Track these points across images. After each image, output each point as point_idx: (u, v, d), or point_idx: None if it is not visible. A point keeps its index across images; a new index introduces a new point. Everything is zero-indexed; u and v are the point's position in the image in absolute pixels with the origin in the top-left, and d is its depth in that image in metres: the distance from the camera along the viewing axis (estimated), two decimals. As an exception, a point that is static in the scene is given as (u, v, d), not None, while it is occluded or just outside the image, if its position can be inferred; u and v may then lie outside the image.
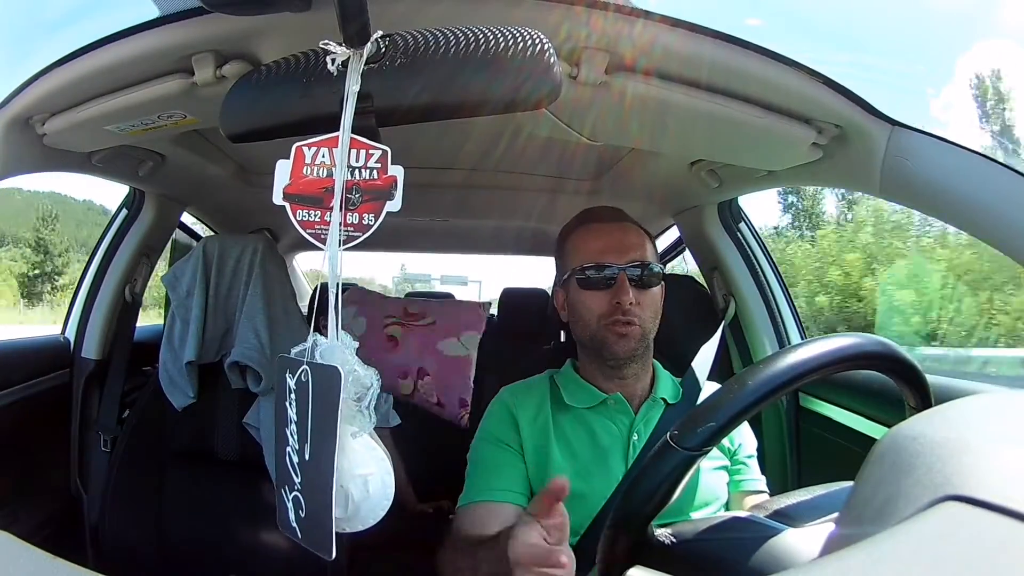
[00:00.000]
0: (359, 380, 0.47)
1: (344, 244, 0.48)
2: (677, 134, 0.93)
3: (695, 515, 0.80)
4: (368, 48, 0.49)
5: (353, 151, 0.49)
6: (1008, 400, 0.35)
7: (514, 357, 1.47)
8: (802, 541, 0.46)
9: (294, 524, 0.50)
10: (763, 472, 0.90)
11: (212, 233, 1.75)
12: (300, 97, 0.53)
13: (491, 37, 0.52)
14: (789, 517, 0.50)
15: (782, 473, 1.22)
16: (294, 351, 0.49)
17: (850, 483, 0.36)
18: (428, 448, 1.52)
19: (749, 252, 1.35)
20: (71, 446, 1.29)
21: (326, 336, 0.48)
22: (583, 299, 0.85)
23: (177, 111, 0.82)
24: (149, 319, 1.69)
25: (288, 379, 0.48)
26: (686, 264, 1.67)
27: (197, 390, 1.08)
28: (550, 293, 1.46)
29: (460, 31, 0.53)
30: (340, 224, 0.48)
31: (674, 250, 1.75)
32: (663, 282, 0.87)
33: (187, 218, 1.60)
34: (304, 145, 0.50)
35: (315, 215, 0.49)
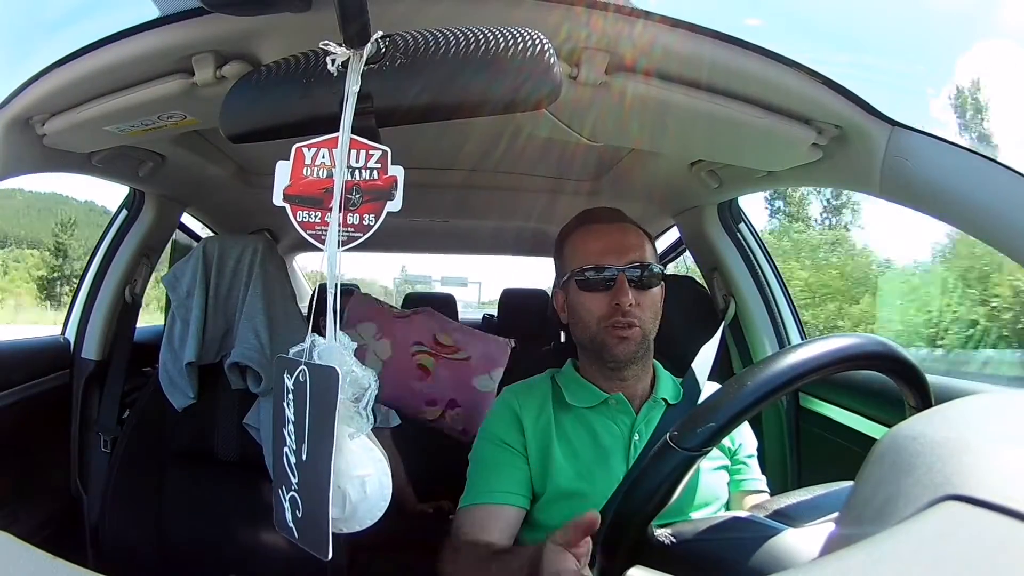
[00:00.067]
0: (357, 381, 0.47)
1: (345, 245, 0.48)
2: (677, 134, 0.93)
3: (695, 515, 0.80)
4: (368, 48, 0.49)
5: (353, 151, 0.49)
6: (1008, 400, 0.35)
7: (514, 358, 1.47)
8: (802, 541, 0.46)
9: (291, 524, 0.50)
10: (763, 472, 0.90)
11: (212, 233, 1.75)
12: (300, 98, 0.53)
13: (491, 37, 0.52)
14: (789, 517, 0.50)
15: (782, 473, 1.22)
16: (292, 352, 0.48)
17: (850, 483, 0.36)
18: (428, 448, 1.52)
19: (749, 252, 1.35)
20: (71, 446, 1.29)
21: (325, 337, 0.48)
22: (583, 301, 0.85)
23: (177, 111, 0.82)
24: (150, 316, 1.70)
25: (286, 379, 0.48)
26: (686, 265, 1.67)
27: (197, 391, 1.08)
28: (550, 294, 1.47)
29: (460, 31, 0.53)
30: (340, 225, 0.48)
31: (674, 250, 1.75)
32: (663, 283, 0.87)
33: (187, 218, 1.60)
34: (304, 146, 0.50)
35: (315, 216, 0.49)
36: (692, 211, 1.38)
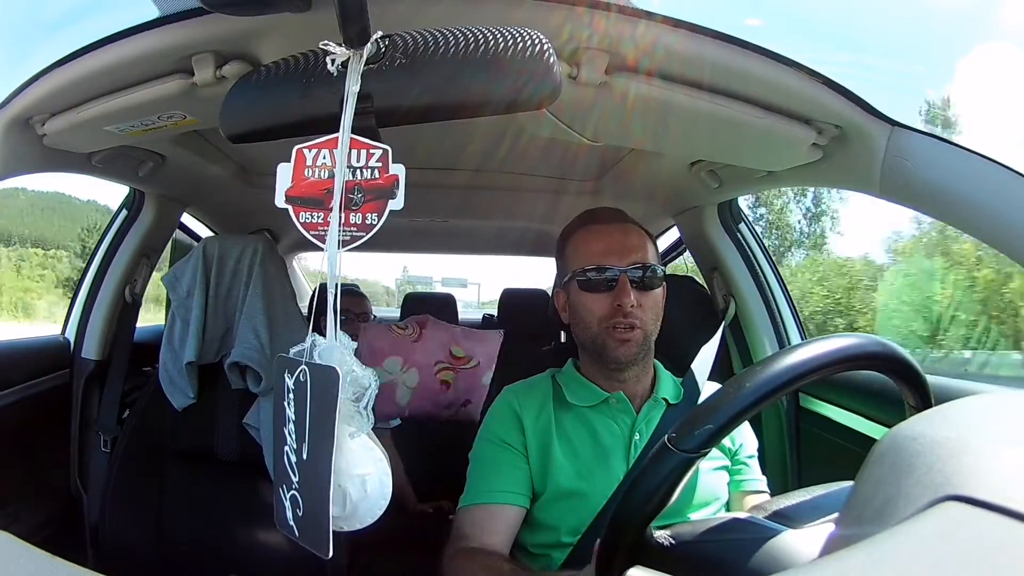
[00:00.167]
0: (357, 380, 0.47)
1: (348, 244, 0.48)
2: (677, 134, 0.93)
3: (695, 515, 0.80)
4: (368, 48, 0.49)
5: (354, 151, 0.49)
6: (1008, 400, 0.35)
7: (514, 357, 1.47)
8: (802, 542, 0.46)
9: (291, 523, 0.50)
10: (763, 472, 0.90)
11: (212, 233, 1.75)
12: (300, 98, 0.53)
13: (490, 37, 0.52)
14: (788, 518, 0.50)
15: (782, 473, 1.22)
16: (293, 351, 0.49)
17: (850, 483, 0.36)
18: (428, 448, 1.53)
19: (749, 252, 1.35)
20: (71, 446, 1.29)
21: (325, 336, 0.48)
22: (584, 301, 0.85)
23: (177, 111, 0.82)
24: (150, 313, 1.70)
25: (287, 379, 0.49)
26: (686, 265, 1.67)
27: (197, 390, 1.08)
28: (550, 294, 1.48)
29: (460, 31, 0.53)
30: (340, 224, 0.48)
31: (674, 250, 1.75)
32: (664, 283, 0.87)
33: (187, 218, 1.60)
34: (305, 147, 0.50)
35: (318, 216, 0.49)
36: (692, 211, 1.38)
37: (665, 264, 0.89)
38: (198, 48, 0.71)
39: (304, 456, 0.47)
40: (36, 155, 0.91)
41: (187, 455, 1.11)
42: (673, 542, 0.51)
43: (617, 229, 0.87)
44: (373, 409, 0.49)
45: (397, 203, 0.49)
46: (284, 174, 0.49)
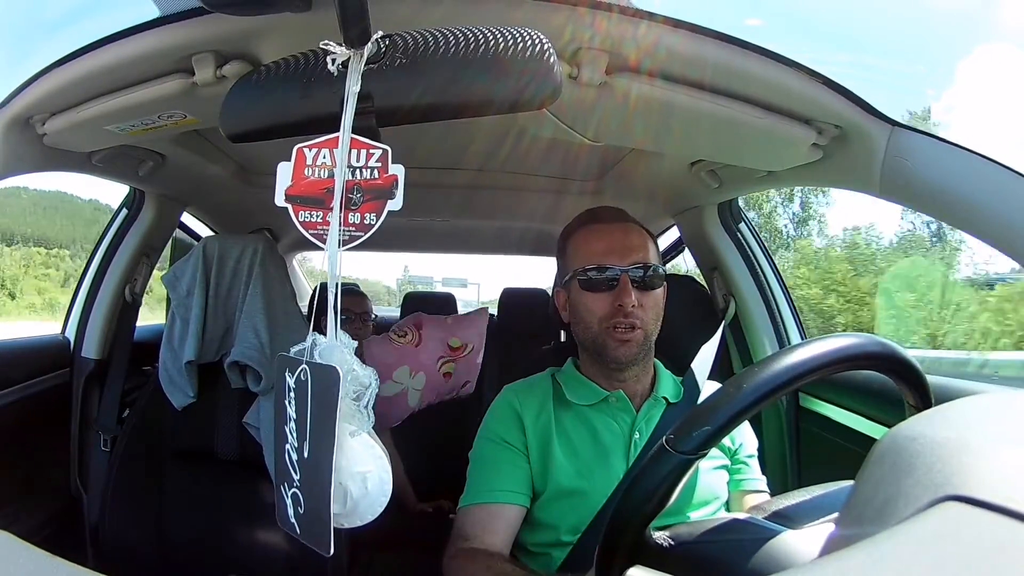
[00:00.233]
0: (357, 379, 0.47)
1: (346, 244, 0.48)
2: (678, 135, 0.93)
3: (695, 515, 0.80)
4: (368, 48, 0.49)
5: (354, 151, 0.49)
6: (1008, 400, 0.35)
7: (514, 357, 1.47)
8: (801, 542, 0.46)
9: (293, 520, 0.50)
10: (763, 472, 0.90)
11: (212, 233, 1.75)
12: (300, 97, 0.53)
13: (491, 38, 0.52)
14: (788, 518, 0.50)
15: (782, 473, 1.22)
16: (293, 350, 0.49)
17: (850, 483, 0.36)
18: (428, 448, 1.53)
19: (749, 252, 1.35)
20: (71, 445, 1.29)
21: (326, 335, 0.48)
22: (585, 301, 0.85)
23: (177, 111, 0.82)
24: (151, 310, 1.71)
25: (287, 378, 0.49)
26: (686, 264, 1.67)
27: (197, 390, 1.08)
28: (550, 293, 1.48)
29: (460, 32, 0.53)
30: (340, 224, 0.48)
31: (674, 250, 1.75)
32: (665, 283, 0.87)
33: (187, 218, 1.60)
34: (305, 146, 0.50)
35: (317, 216, 0.49)
36: (692, 211, 1.38)
37: (665, 264, 0.89)
38: (198, 48, 0.71)
39: (305, 454, 0.48)
40: (36, 154, 0.91)
41: (187, 454, 1.11)
42: (672, 543, 0.51)
43: (618, 228, 0.87)
44: (374, 408, 0.49)
45: (396, 204, 0.49)
46: (284, 173, 0.50)
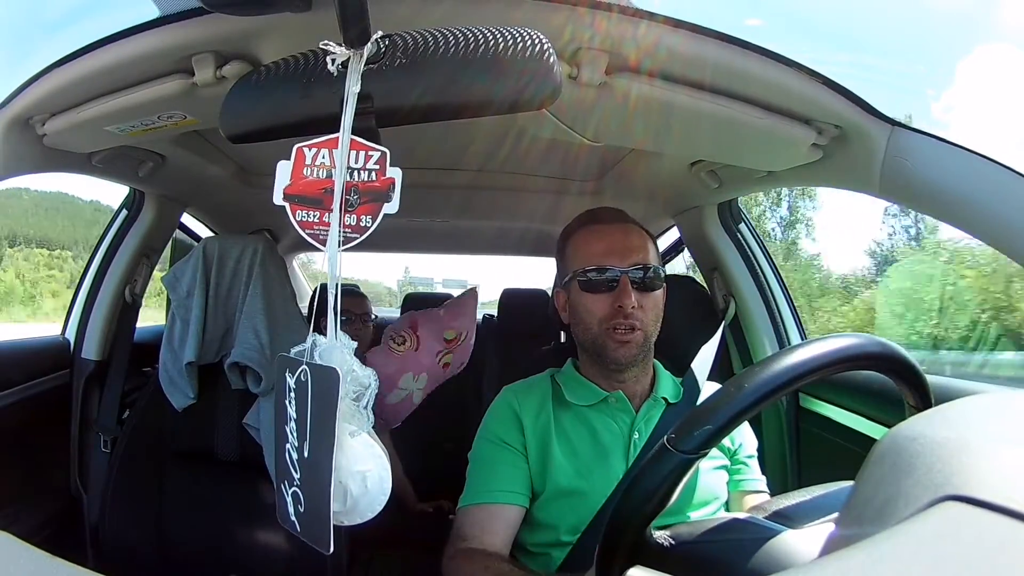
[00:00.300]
0: (357, 380, 0.47)
1: (342, 245, 0.48)
2: (677, 135, 0.93)
3: (695, 514, 0.80)
4: (368, 48, 0.49)
5: (352, 152, 0.49)
6: (1008, 400, 0.35)
7: (514, 357, 1.47)
8: (801, 542, 0.46)
9: (293, 518, 0.50)
10: (763, 472, 0.90)
11: (212, 233, 1.75)
12: (300, 98, 0.53)
13: (491, 38, 0.52)
14: (788, 518, 0.50)
15: (782, 473, 1.22)
16: (293, 351, 0.49)
17: (850, 483, 0.36)
18: (428, 448, 1.53)
19: (749, 252, 1.35)
20: (71, 446, 1.29)
21: (326, 336, 0.48)
22: (584, 301, 0.85)
23: (177, 111, 0.82)
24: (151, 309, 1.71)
25: (288, 378, 0.49)
26: (685, 266, 1.67)
27: (197, 391, 1.08)
28: (550, 294, 1.48)
29: (460, 32, 0.53)
30: (340, 225, 0.48)
31: (674, 250, 1.75)
32: (665, 284, 0.87)
33: (187, 218, 1.60)
34: (305, 146, 0.50)
35: (314, 216, 0.49)
36: (692, 211, 1.38)
37: (664, 264, 0.89)
38: (198, 48, 0.71)
39: (305, 454, 0.48)
40: (36, 155, 0.91)
41: (187, 455, 1.11)
42: (673, 542, 0.51)
43: (618, 229, 0.87)
44: (374, 409, 0.49)
45: (392, 207, 0.49)
46: (283, 172, 0.50)
